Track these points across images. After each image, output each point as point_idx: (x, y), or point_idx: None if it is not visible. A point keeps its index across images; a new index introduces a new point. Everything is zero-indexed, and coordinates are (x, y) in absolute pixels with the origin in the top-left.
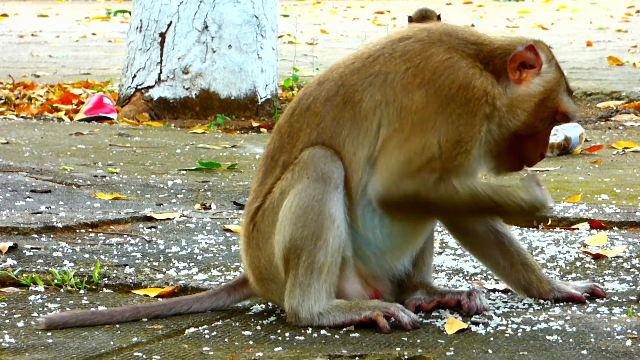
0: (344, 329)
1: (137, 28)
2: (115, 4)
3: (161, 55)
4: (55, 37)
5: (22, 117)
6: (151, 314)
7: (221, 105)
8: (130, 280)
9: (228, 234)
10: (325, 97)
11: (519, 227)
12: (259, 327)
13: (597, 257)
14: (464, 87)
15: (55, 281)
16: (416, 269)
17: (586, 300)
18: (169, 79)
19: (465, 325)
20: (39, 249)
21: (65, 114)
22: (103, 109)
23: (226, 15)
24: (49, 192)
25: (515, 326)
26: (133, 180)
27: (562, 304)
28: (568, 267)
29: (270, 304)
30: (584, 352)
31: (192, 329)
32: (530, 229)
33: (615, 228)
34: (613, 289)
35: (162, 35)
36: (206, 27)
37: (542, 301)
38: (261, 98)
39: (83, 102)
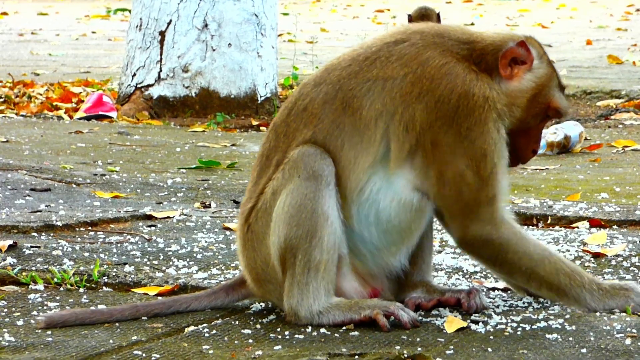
0: (344, 328)
1: (137, 26)
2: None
3: (161, 54)
4: (55, 35)
5: (22, 115)
6: (150, 313)
7: (221, 104)
8: (130, 279)
9: (228, 233)
10: (324, 100)
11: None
12: (258, 326)
13: (596, 255)
14: (464, 96)
15: (55, 280)
16: (416, 268)
17: None
18: (168, 78)
19: (464, 324)
20: (39, 247)
21: (65, 113)
22: (103, 107)
23: (226, 14)
24: (49, 191)
25: (514, 325)
26: (133, 179)
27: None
28: None
29: (269, 302)
30: (584, 350)
31: (191, 328)
32: (530, 227)
33: (614, 226)
34: None
35: (162, 34)
36: (206, 25)
37: (541, 300)
38: (261, 96)
39: (83, 101)
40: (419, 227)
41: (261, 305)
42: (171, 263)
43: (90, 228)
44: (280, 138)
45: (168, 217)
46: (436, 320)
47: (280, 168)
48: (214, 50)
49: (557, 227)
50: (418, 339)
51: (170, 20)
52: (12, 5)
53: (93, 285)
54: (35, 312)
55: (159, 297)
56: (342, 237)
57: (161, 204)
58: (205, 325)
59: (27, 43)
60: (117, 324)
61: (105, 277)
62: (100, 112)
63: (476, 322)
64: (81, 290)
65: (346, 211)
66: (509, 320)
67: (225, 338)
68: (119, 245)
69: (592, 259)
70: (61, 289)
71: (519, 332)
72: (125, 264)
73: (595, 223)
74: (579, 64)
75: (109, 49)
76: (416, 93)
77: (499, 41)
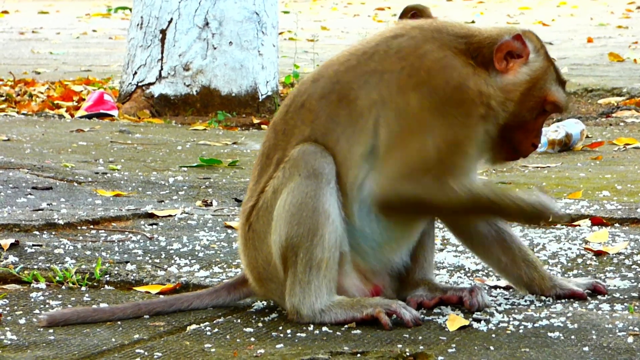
0: (346, 326)
1: (137, 25)
2: (116, 0)
3: (162, 52)
4: (55, 34)
5: (23, 114)
6: (152, 311)
7: (222, 102)
8: (132, 277)
9: (229, 231)
10: (320, 95)
11: (520, 224)
12: (260, 324)
13: (598, 253)
14: (459, 88)
15: (57, 278)
16: (417, 266)
17: (588, 297)
18: (169, 76)
19: (466, 322)
20: (41, 245)
21: (66, 111)
22: (104, 105)
23: (227, 12)
24: (50, 189)
25: (517, 323)
26: (134, 177)
27: (563, 300)
28: (569, 264)
29: (271, 301)
30: (586, 348)
31: (193, 326)
32: (531, 225)
33: (616, 224)
34: (615, 286)
35: (163, 32)
36: (207, 23)
37: (543, 298)
38: (262, 95)
39: (84, 99)
40: (420, 223)
41: (263, 304)
42: (173, 261)
43: (92, 226)
44: (280, 136)
45: (170, 216)
46: (438, 318)
47: (281, 167)
48: (215, 48)
49: (558, 225)
50: (420, 337)
51: (171, 19)
52: (13, 3)
53: (95, 284)
54: (37, 311)
55: (161, 296)
56: (343, 235)
57: (163, 203)
58: (207, 323)
59: (28, 42)
60: (119, 323)
61: (107, 276)
62: (102, 111)
63: (478, 321)
64: (83, 288)
65: (347, 208)
66: (511, 319)
67: (227, 336)
68: (120, 243)
69: (594, 257)
70: (63, 287)
71: (521, 331)
72: (127, 262)
73: (596, 221)
74: (580, 61)
75: (110, 47)
76: (412, 84)
77: (496, 35)
